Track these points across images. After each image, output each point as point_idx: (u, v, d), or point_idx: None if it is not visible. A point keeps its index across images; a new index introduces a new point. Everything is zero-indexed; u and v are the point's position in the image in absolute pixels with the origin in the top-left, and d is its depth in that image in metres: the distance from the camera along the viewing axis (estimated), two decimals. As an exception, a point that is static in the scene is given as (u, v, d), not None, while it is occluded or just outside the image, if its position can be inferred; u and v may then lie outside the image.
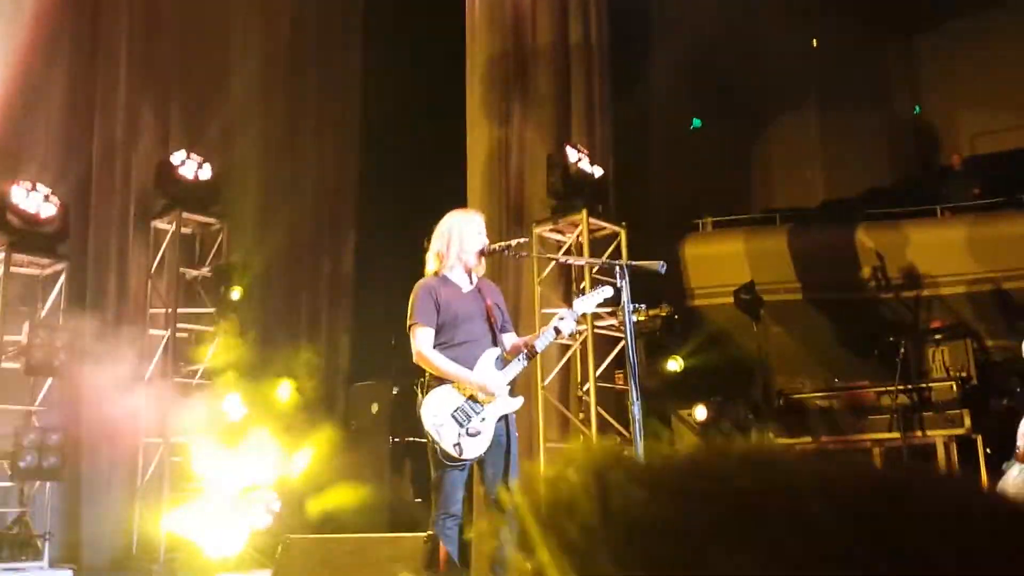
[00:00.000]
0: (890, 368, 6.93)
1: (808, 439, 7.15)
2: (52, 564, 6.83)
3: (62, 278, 7.49)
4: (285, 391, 8.29)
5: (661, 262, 3.91)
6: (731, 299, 8.53)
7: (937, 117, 11.66)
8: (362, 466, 8.10)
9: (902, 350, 6.81)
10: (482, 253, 4.22)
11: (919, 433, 6.72)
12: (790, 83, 11.27)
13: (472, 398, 3.99)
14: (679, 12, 10.86)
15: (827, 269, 9.47)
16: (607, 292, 4.25)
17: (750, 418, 7.48)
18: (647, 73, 10.79)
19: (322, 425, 8.16)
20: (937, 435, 6.75)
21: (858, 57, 11.32)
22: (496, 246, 4.25)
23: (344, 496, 7.67)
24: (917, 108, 11.99)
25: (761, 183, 12.00)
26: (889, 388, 6.94)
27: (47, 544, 6.86)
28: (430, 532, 3.98)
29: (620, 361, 7.15)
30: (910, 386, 6.91)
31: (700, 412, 7.61)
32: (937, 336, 7.37)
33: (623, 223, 7.79)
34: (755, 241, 9.74)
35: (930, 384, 6.94)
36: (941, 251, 9.01)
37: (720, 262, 9.55)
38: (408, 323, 4.08)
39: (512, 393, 4.12)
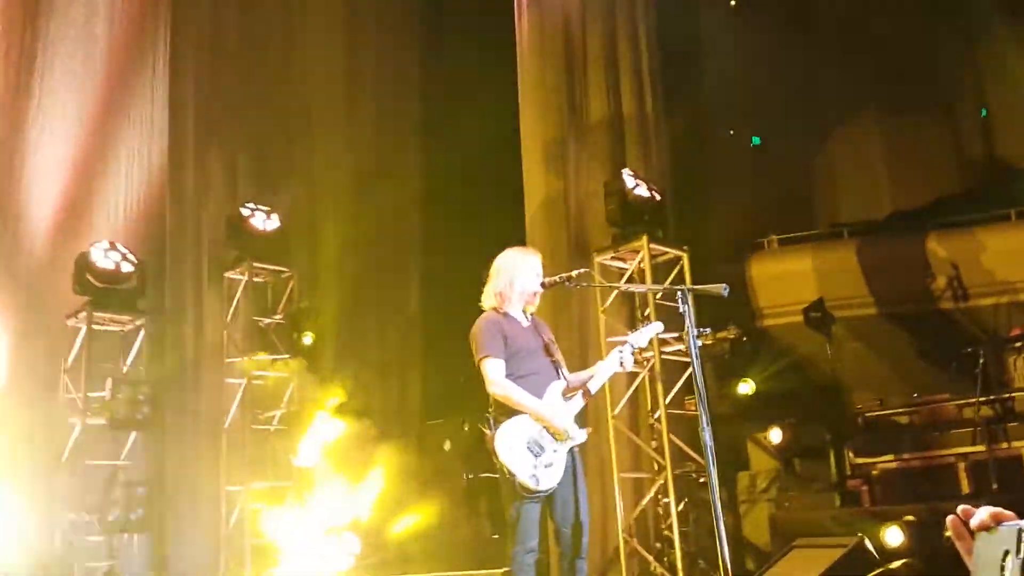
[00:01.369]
0: (970, 379, 6.73)
1: (890, 457, 6.97)
2: (142, 614, 7.01)
3: (142, 333, 7.74)
4: (360, 432, 8.39)
5: (724, 285, 3.89)
6: (801, 317, 8.38)
7: (1004, 119, 11.35)
8: (437, 504, 8.14)
9: (981, 360, 6.61)
10: (543, 286, 4.30)
11: (1005, 445, 6.50)
12: (850, 92, 11.10)
13: (545, 429, 4.02)
14: (731, 28, 10.81)
15: (900, 281, 9.25)
16: (658, 327, 4.40)
17: (828, 439, 7.32)
18: (702, 92, 10.74)
19: (396, 464, 8.23)
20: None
21: (919, 61, 11.11)
22: (556, 278, 4.31)
23: (421, 535, 7.72)
24: (983, 111, 11.69)
25: (826, 197, 11.79)
26: (971, 400, 6.74)
27: (136, 595, 7.05)
28: (508, 569, 4.00)
29: (690, 387, 7.08)
30: (992, 397, 6.70)
31: (775, 435, 7.47)
32: (1017, 344, 7.12)
33: (685, 247, 7.73)
34: (823, 256, 9.57)
35: (1013, 394, 6.72)
36: (1018, 256, 8.73)
37: (788, 280, 9.40)
38: (478, 357, 4.14)
39: (579, 424, 4.16)
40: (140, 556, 7.29)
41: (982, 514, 0.98)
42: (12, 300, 7.38)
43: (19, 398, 7.12)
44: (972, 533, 0.99)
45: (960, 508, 1.01)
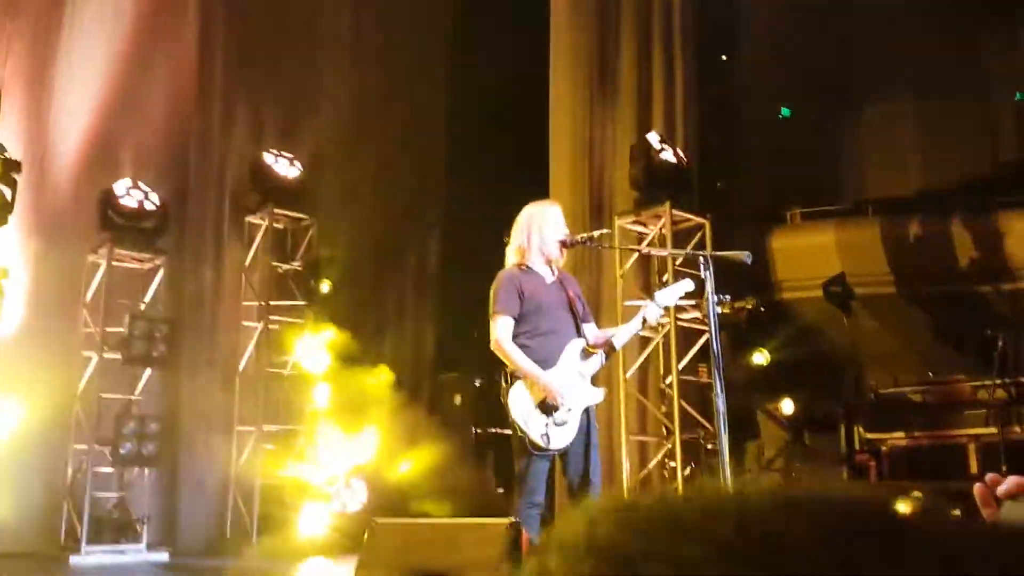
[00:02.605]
0: (987, 362, 6.68)
1: (901, 434, 6.96)
2: (149, 547, 7.13)
3: (161, 272, 7.78)
4: (373, 381, 8.46)
5: (747, 252, 3.85)
6: (820, 292, 8.33)
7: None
8: (446, 456, 8.21)
9: (1000, 343, 6.56)
10: (564, 244, 4.23)
11: (1017, 428, 6.47)
12: (883, 69, 10.92)
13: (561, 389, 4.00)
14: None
15: (922, 261, 9.16)
16: (688, 286, 4.23)
17: (840, 413, 7.32)
18: (734, 60, 10.60)
19: (407, 415, 8.30)
20: (1035, 430, 6.50)
21: (955, 41, 10.91)
22: (578, 237, 4.26)
23: (428, 485, 7.79)
24: (1018, 95, 11.50)
25: (852, 173, 11.66)
26: (986, 382, 6.70)
27: (145, 528, 7.15)
28: (514, 519, 4.01)
29: (704, 354, 7.07)
30: (1008, 380, 6.66)
31: (787, 406, 7.47)
32: (1036, 329, 7.08)
33: (707, 214, 7.68)
34: (846, 232, 9.48)
35: (1029, 378, 6.70)
36: (1042, 242, 8.63)
37: (809, 254, 9.32)
38: (490, 311, 4.12)
39: (594, 385, 4.13)
40: (150, 490, 7.40)
41: (1010, 482, 0.97)
42: (35, 233, 7.43)
43: (38, 329, 7.19)
44: (998, 502, 0.98)
45: (988, 476, 1.00)
